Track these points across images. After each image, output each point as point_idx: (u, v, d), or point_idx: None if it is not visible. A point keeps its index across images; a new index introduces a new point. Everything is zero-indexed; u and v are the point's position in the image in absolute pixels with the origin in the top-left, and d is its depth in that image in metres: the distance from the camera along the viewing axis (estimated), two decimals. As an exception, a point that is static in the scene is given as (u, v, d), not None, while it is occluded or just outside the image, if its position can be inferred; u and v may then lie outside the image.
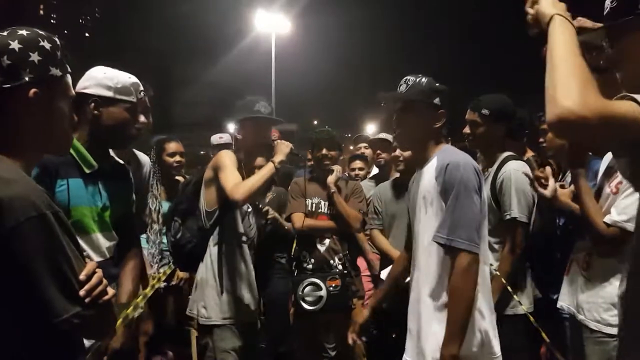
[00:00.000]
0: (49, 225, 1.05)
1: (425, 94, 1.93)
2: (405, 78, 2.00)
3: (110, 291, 1.17)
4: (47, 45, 1.19)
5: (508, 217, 2.34)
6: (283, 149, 2.44)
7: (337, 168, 3.22)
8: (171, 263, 3.17)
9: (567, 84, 0.97)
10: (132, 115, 1.91)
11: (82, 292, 1.08)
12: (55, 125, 1.22)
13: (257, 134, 2.51)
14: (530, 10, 1.22)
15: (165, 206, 3.28)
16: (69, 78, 1.27)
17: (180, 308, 3.51)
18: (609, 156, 2.02)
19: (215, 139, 4.90)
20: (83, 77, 1.87)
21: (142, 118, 2.09)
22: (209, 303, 2.43)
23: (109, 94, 1.84)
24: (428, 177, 1.89)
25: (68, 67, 1.26)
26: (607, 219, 1.82)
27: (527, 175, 2.37)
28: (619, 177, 1.86)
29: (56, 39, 1.23)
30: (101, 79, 1.84)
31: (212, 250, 2.46)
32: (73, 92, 1.30)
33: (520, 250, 2.33)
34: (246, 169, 2.48)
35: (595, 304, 1.90)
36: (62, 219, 1.10)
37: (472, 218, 1.77)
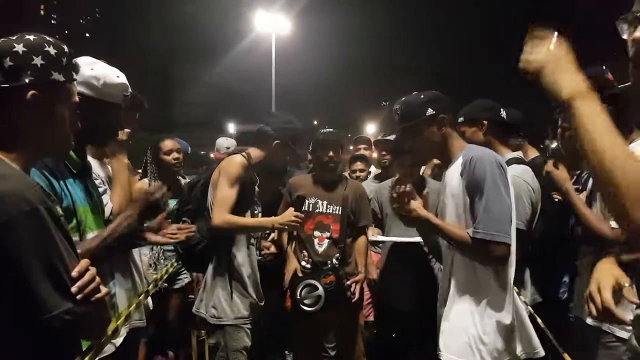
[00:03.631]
0: (42, 220, 1.04)
1: (416, 113, 1.97)
2: (394, 108, 2.04)
3: (104, 289, 1.16)
4: (53, 51, 1.21)
5: None
6: (287, 215, 2.53)
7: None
8: (173, 262, 3.15)
9: (633, 194, 0.89)
10: (113, 117, 1.84)
11: (74, 289, 1.07)
12: (53, 129, 1.23)
13: (283, 157, 2.68)
14: (529, 58, 1.06)
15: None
16: (74, 85, 1.28)
17: (181, 308, 3.50)
18: None
19: (223, 147, 4.58)
20: None
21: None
22: (219, 303, 2.49)
23: (92, 93, 1.74)
24: (454, 175, 1.91)
25: (74, 74, 1.27)
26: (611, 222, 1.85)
27: (526, 181, 2.32)
28: None
29: (64, 47, 1.25)
30: (87, 77, 1.74)
31: (223, 251, 2.50)
32: (76, 98, 1.29)
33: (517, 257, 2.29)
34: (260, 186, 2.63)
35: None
36: (55, 214, 1.09)
37: (504, 211, 1.80)
